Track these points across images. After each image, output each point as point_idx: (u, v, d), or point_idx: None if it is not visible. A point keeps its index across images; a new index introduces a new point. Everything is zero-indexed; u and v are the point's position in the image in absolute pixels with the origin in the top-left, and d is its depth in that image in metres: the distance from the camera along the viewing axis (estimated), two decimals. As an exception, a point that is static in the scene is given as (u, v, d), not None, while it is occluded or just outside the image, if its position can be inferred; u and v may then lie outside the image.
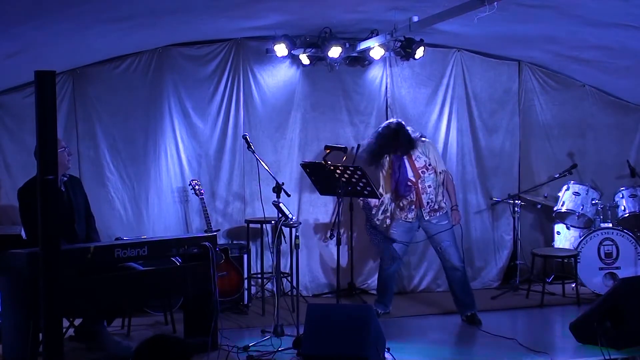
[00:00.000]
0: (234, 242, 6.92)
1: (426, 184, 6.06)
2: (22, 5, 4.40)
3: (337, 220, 5.88)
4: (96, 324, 5.21)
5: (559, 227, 7.43)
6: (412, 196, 6.08)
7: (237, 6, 5.72)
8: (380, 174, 6.23)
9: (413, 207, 6.10)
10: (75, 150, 6.46)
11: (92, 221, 5.47)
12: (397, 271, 6.50)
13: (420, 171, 6.05)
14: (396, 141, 6.02)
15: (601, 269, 6.91)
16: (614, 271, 6.88)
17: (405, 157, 6.05)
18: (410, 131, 6.08)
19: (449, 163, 7.42)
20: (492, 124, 7.55)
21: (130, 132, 6.70)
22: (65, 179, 5.31)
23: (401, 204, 6.15)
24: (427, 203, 6.07)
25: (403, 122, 6.14)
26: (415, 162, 6.05)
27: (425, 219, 6.09)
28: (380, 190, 6.15)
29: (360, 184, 5.58)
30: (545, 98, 7.74)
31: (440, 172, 6.12)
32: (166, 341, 2.97)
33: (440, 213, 6.10)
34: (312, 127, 7.16)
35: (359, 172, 5.51)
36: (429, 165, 6.07)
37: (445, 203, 6.15)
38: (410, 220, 6.14)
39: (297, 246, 5.95)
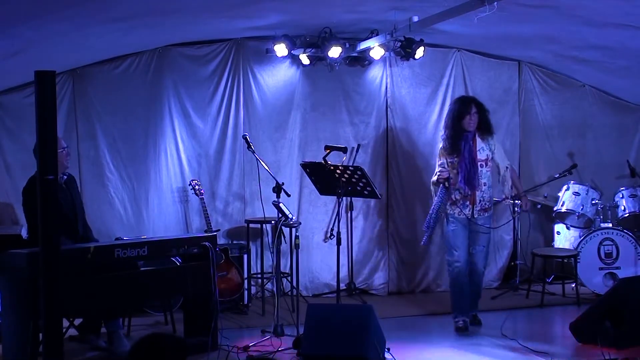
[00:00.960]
0: (234, 242, 6.92)
1: (482, 180, 5.77)
2: (22, 5, 4.40)
3: (337, 220, 5.89)
4: (110, 324, 5.21)
5: (559, 227, 7.43)
6: (466, 190, 5.74)
7: (237, 6, 5.72)
8: (448, 159, 5.79)
9: (468, 202, 5.76)
10: (75, 150, 6.47)
11: (83, 216, 5.49)
12: (466, 271, 5.86)
13: (479, 164, 5.75)
14: (477, 104, 5.76)
15: (601, 269, 6.90)
16: (614, 271, 6.88)
17: (470, 142, 5.73)
18: None
19: (449, 163, 7.42)
20: (492, 124, 7.53)
21: (130, 132, 6.70)
22: (66, 177, 5.34)
23: (454, 198, 5.77)
24: (480, 201, 5.76)
25: None
26: (478, 153, 5.76)
27: (475, 216, 5.79)
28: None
29: (360, 184, 5.58)
30: (545, 98, 7.74)
31: (506, 167, 5.89)
32: (162, 339, 2.98)
33: (488, 214, 5.85)
34: (312, 127, 7.16)
35: (359, 172, 5.51)
36: (490, 160, 5.80)
37: (492, 204, 5.90)
38: (465, 215, 5.77)
39: (297, 246, 5.96)
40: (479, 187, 5.77)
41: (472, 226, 5.84)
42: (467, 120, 5.74)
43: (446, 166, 5.79)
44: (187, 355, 2.96)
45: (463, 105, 5.80)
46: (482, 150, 5.81)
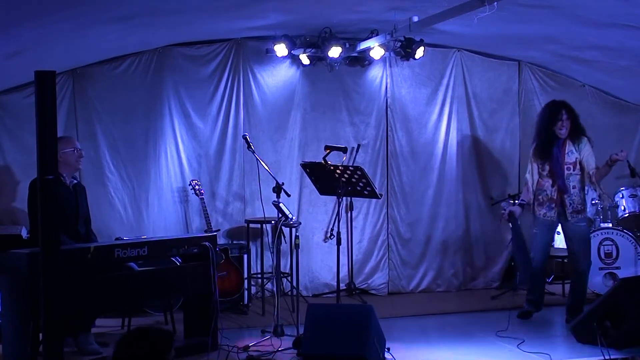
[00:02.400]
0: (234, 242, 6.92)
1: (570, 184, 5.84)
2: (22, 5, 4.40)
3: (337, 220, 5.89)
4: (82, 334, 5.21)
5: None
6: (553, 193, 5.87)
7: (237, 6, 5.72)
8: (538, 164, 5.92)
9: (553, 205, 5.86)
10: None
11: (90, 226, 5.50)
12: (541, 269, 6.09)
13: (566, 167, 5.82)
14: (568, 109, 5.78)
15: (601, 269, 6.90)
16: (614, 271, 6.87)
17: (560, 147, 5.80)
18: None
19: (449, 163, 7.43)
20: (492, 124, 7.55)
21: (130, 132, 6.70)
22: (76, 181, 5.34)
23: (540, 199, 5.92)
24: (570, 204, 5.84)
25: None
26: (567, 156, 5.82)
27: (568, 219, 5.87)
28: (529, 183, 6.00)
29: (360, 184, 5.58)
30: (545, 98, 7.70)
31: (590, 171, 5.83)
32: (146, 333, 2.97)
33: (582, 215, 5.91)
34: (312, 127, 7.16)
35: (358, 172, 5.50)
36: (579, 163, 5.82)
37: (587, 206, 6.00)
38: (549, 218, 5.91)
39: (297, 246, 5.97)
40: (568, 191, 5.83)
41: (563, 226, 6.02)
42: (559, 126, 5.78)
43: (535, 172, 5.95)
44: (172, 346, 2.95)
45: (553, 112, 5.80)
46: (570, 154, 5.84)
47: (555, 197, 5.88)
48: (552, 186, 5.89)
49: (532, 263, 6.09)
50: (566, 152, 5.83)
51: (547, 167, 5.91)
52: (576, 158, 5.84)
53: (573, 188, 5.86)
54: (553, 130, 5.82)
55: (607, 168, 5.82)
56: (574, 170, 5.84)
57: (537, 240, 6.04)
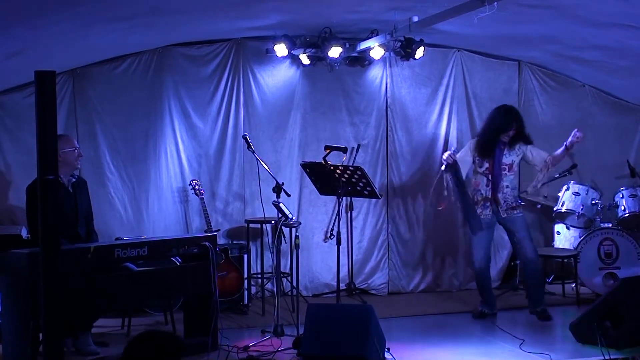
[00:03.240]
0: (234, 242, 6.92)
1: (504, 184, 6.12)
2: (22, 5, 4.40)
3: (337, 220, 5.89)
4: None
5: (559, 227, 7.43)
6: (487, 192, 6.13)
7: (237, 6, 5.72)
8: (476, 158, 6.19)
9: (488, 203, 6.15)
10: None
11: (91, 223, 5.48)
12: (485, 268, 6.35)
13: (502, 167, 6.10)
14: (518, 122, 6.06)
15: (601, 269, 6.90)
16: (614, 271, 6.87)
17: (501, 149, 6.09)
18: None
19: (449, 163, 7.43)
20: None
21: (130, 132, 6.70)
22: (74, 179, 5.33)
23: (476, 199, 6.19)
24: (504, 201, 6.13)
25: None
26: (504, 157, 6.11)
27: (503, 216, 6.16)
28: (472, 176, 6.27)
29: (360, 184, 5.58)
30: (545, 98, 7.73)
31: (547, 159, 6.14)
32: (158, 336, 2.97)
33: (517, 211, 6.18)
34: (312, 127, 7.16)
35: (358, 172, 5.51)
36: (515, 165, 6.14)
37: (519, 202, 6.23)
38: (486, 216, 6.18)
39: (297, 246, 5.97)
40: (501, 189, 6.12)
41: (501, 222, 6.24)
42: (505, 135, 6.09)
43: (468, 156, 6.20)
44: (183, 352, 2.95)
45: (504, 122, 6.07)
46: (507, 155, 6.13)
47: (489, 196, 6.15)
48: (487, 185, 6.15)
49: (474, 264, 6.37)
50: (504, 153, 6.11)
51: (485, 165, 6.17)
52: (512, 160, 6.14)
53: (506, 187, 6.14)
54: (498, 136, 6.09)
55: (566, 152, 6.18)
56: (508, 172, 6.13)
57: (478, 239, 6.22)
